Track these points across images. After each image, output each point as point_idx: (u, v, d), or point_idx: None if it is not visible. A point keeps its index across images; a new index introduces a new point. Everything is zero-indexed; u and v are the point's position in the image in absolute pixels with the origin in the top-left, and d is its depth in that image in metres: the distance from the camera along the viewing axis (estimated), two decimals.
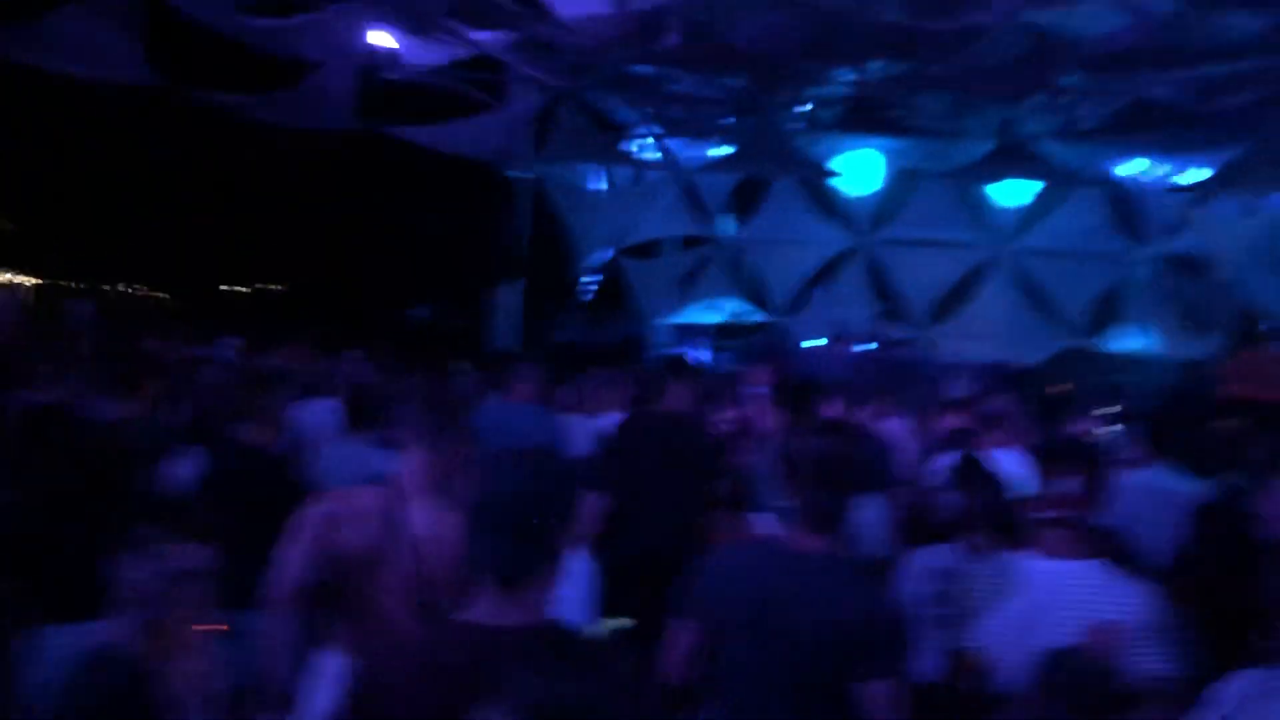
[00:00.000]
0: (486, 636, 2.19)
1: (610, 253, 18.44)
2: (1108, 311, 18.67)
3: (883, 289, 19.71)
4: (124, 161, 18.54)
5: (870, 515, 4.95)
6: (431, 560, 3.22)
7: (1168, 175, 16.21)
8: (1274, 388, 17.70)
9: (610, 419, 6.80)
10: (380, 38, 10.77)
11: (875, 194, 19.29)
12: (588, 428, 6.84)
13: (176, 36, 11.53)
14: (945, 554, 4.22)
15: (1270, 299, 15.48)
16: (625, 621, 4.03)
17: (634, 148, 17.31)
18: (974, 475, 4.43)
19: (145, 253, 20.89)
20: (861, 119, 14.60)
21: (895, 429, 8.11)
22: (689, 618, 3.24)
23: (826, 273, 20.01)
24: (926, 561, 4.20)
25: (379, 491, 3.36)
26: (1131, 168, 16.29)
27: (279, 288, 22.99)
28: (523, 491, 2.29)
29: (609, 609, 4.10)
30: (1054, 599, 3.22)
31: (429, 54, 11.75)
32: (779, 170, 18.13)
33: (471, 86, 13.14)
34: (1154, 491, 5.33)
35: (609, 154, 16.24)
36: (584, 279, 17.70)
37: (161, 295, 22.57)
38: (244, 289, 24.46)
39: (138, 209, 20.10)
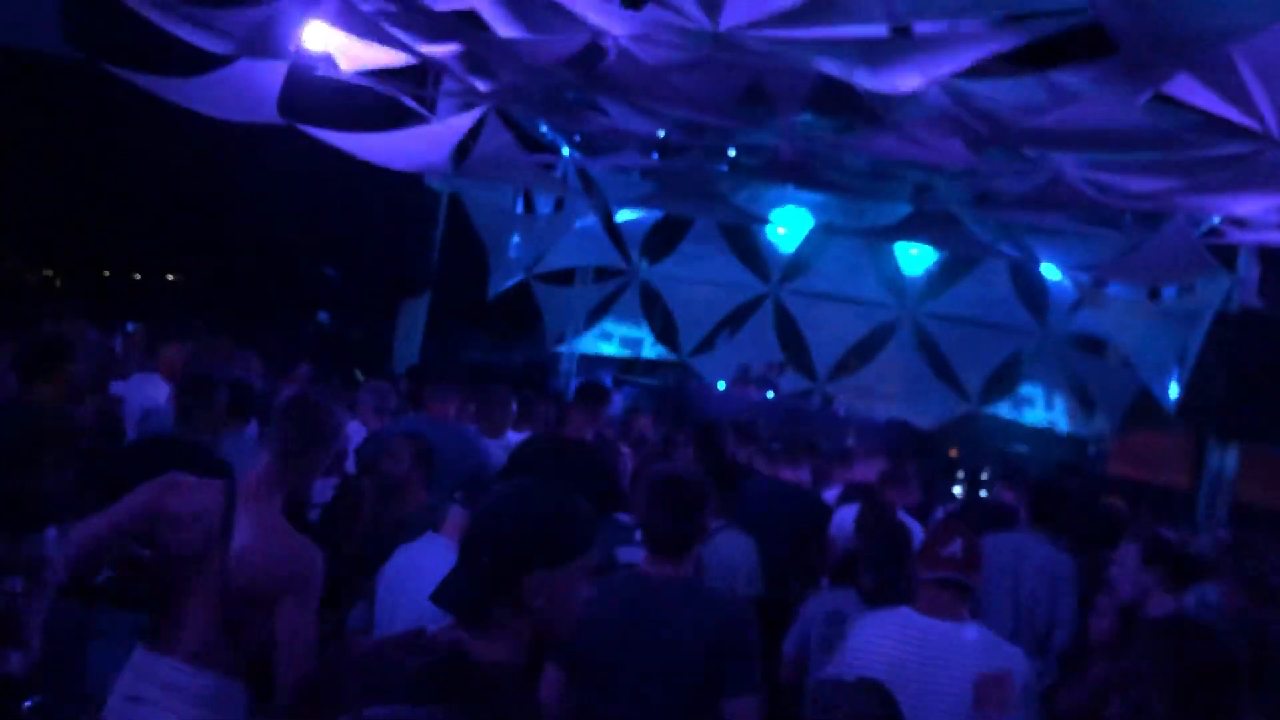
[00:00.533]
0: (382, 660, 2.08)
1: (522, 275, 18.28)
2: (1004, 382, 19.12)
3: (788, 339, 19.92)
4: (42, 136, 17.81)
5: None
6: (243, 571, 3.09)
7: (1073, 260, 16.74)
8: (1153, 470, 18.40)
9: (510, 440, 6.69)
10: (315, 36, 10.51)
11: (791, 245, 19.53)
12: (489, 449, 6.72)
13: (96, 7, 11.14)
14: (841, 599, 4.25)
15: (1160, 386, 16.02)
16: None
17: (558, 173, 17.22)
18: (880, 525, 4.48)
19: (35, 229, 20.05)
20: (784, 170, 14.73)
21: (803, 476, 8.12)
22: (558, 651, 3.25)
23: (736, 317, 20.16)
24: (822, 606, 4.24)
25: (215, 488, 3.20)
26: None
27: (174, 277, 22.27)
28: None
29: None
30: (927, 656, 3.28)
31: (363, 58, 11.52)
32: (702, 211, 18.27)
33: (403, 96, 12.92)
34: (1016, 553, 5.46)
35: (532, 176, 16.11)
36: (493, 299, 17.49)
37: (47, 273, 21.71)
38: (137, 274, 23.62)
39: (36, 185, 19.31)
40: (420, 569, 3.81)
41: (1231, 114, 8.08)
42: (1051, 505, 5.70)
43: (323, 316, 15.70)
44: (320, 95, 12.43)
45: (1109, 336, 17.79)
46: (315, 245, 15.07)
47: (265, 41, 10.52)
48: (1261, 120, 8.02)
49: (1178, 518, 12.98)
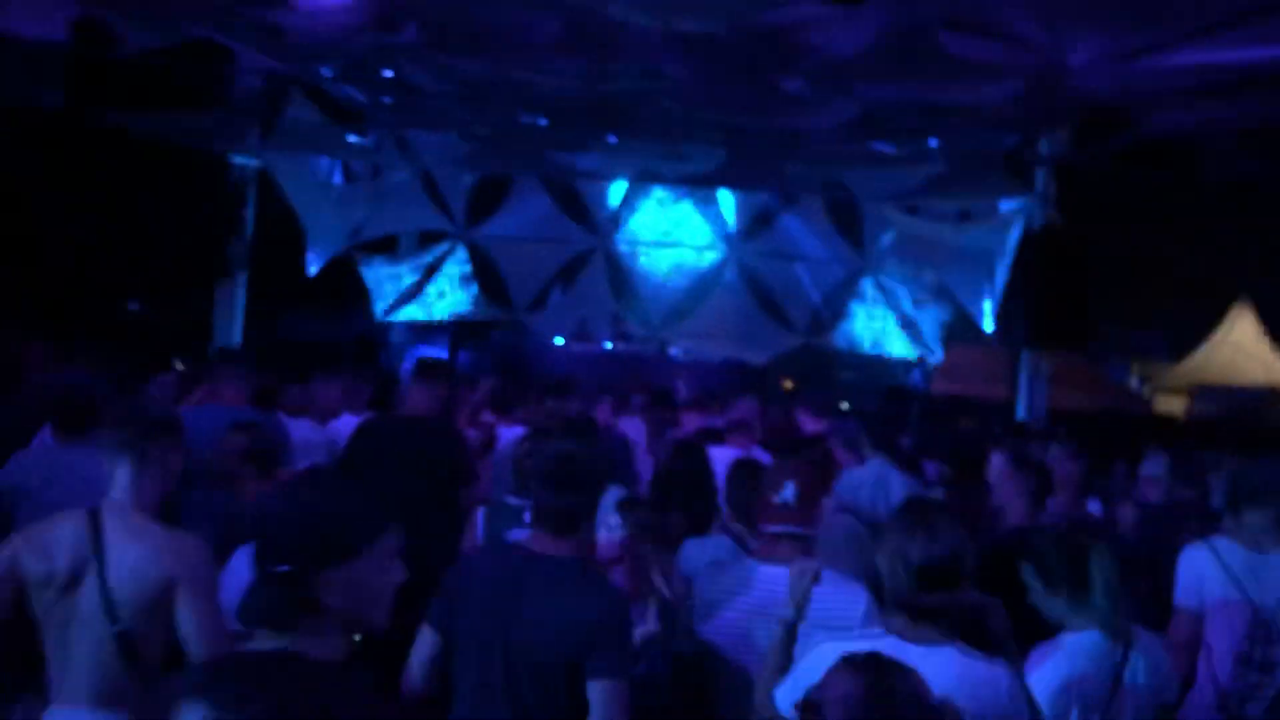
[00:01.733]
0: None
1: (343, 247, 17.76)
2: (830, 313, 19.69)
3: (621, 290, 20.01)
4: None
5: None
6: (134, 592, 2.96)
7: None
8: (975, 384, 19.36)
9: (344, 424, 6.50)
10: (96, 14, 9.87)
11: (616, 196, 19.57)
12: (319, 434, 6.48)
13: None
14: (718, 547, 4.29)
15: (974, 304, 16.78)
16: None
17: (370, 140, 16.72)
18: (750, 473, 4.51)
19: None
20: (602, 120, 14.68)
21: (632, 428, 8.23)
22: (429, 627, 3.23)
23: (567, 272, 20.11)
24: (700, 552, 4.26)
25: (77, 517, 3.04)
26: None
27: None
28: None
29: None
30: (773, 603, 3.33)
31: (150, 34, 10.90)
32: (522, 167, 18.07)
33: (196, 72, 12.28)
34: (874, 485, 5.62)
35: (343, 146, 15.60)
36: (313, 274, 16.94)
37: None
38: None
39: None
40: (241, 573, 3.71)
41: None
42: (888, 432, 5.92)
43: (133, 306, 14.89)
44: (112, 75, 11.73)
45: (925, 260, 18.52)
46: (117, 233, 14.23)
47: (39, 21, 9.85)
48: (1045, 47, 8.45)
49: (1003, 425, 13.71)
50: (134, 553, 2.97)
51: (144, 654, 2.96)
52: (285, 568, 2.04)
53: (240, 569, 3.75)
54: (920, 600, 2.68)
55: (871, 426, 6.12)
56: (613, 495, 4.62)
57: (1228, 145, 11.46)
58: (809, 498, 3.50)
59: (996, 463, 6.06)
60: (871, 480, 5.56)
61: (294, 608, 2.03)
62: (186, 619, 2.96)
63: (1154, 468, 8.26)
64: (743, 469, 4.66)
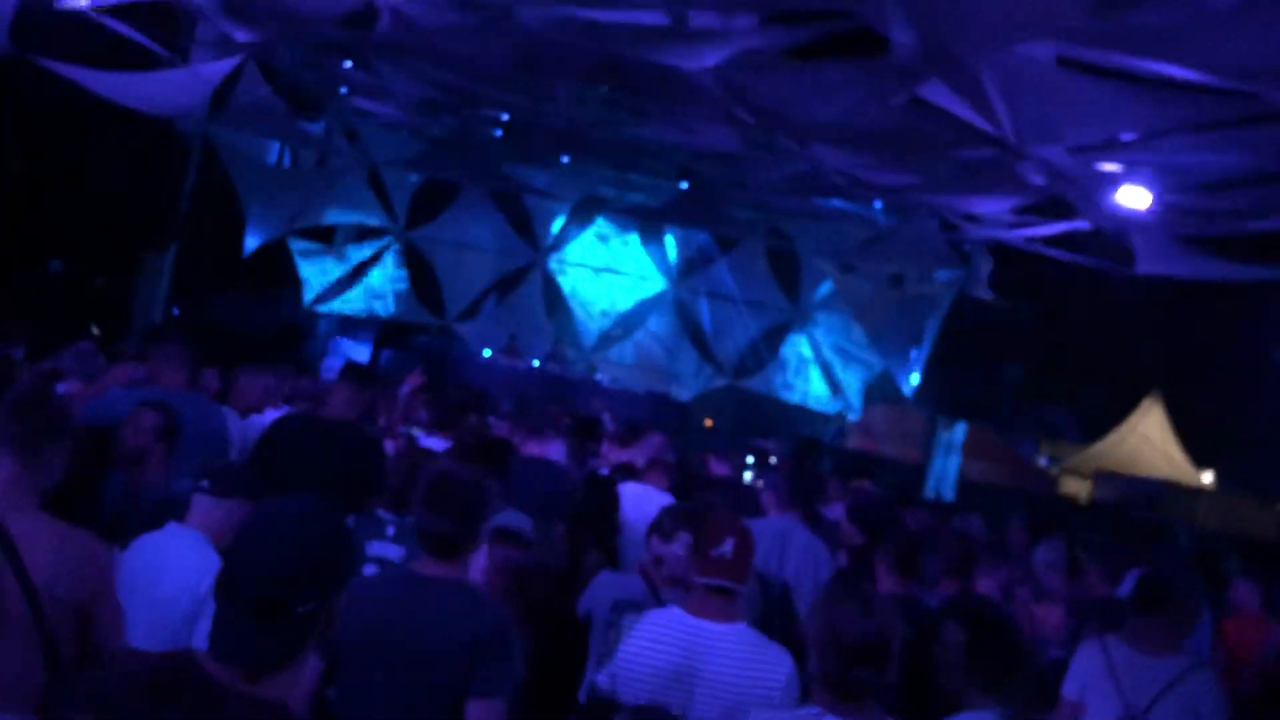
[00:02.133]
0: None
1: (279, 231, 17.50)
2: (758, 357, 19.89)
3: (557, 308, 20.02)
4: None
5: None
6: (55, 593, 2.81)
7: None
8: (889, 444, 19.70)
9: (264, 419, 6.35)
10: None
11: (561, 215, 19.61)
12: (236, 426, 6.29)
13: None
14: (629, 587, 4.24)
15: (898, 366, 17.08)
16: None
17: (320, 128, 16.55)
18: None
19: None
20: (558, 141, 14.74)
21: (554, 452, 8.15)
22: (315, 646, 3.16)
23: (503, 285, 20.06)
24: (615, 591, 4.20)
25: None
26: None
27: None
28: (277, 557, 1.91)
29: None
30: (695, 658, 3.34)
31: None
32: (473, 177, 18.03)
33: (153, 35, 12.05)
34: (773, 538, 5.61)
35: (293, 131, 15.40)
36: (247, 253, 16.64)
37: None
38: None
39: None
40: (161, 567, 3.57)
41: (977, 120, 8.69)
42: (806, 487, 5.90)
43: (56, 265, 14.48)
44: (60, 28, 11.45)
45: (855, 318, 18.82)
46: (49, 187, 13.84)
47: None
48: (1000, 127, 8.68)
49: (910, 489, 13.95)
50: (48, 551, 2.82)
51: (64, 656, 2.82)
52: (305, 606, 1.88)
53: (168, 555, 3.60)
54: (850, 676, 2.71)
55: (791, 480, 6.10)
56: (515, 519, 4.58)
57: (1159, 244, 11.83)
58: (745, 554, 3.51)
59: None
60: (771, 534, 5.57)
61: (283, 648, 1.89)
62: (102, 632, 2.83)
63: (1050, 554, 8.48)
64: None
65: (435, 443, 6.79)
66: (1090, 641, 4.33)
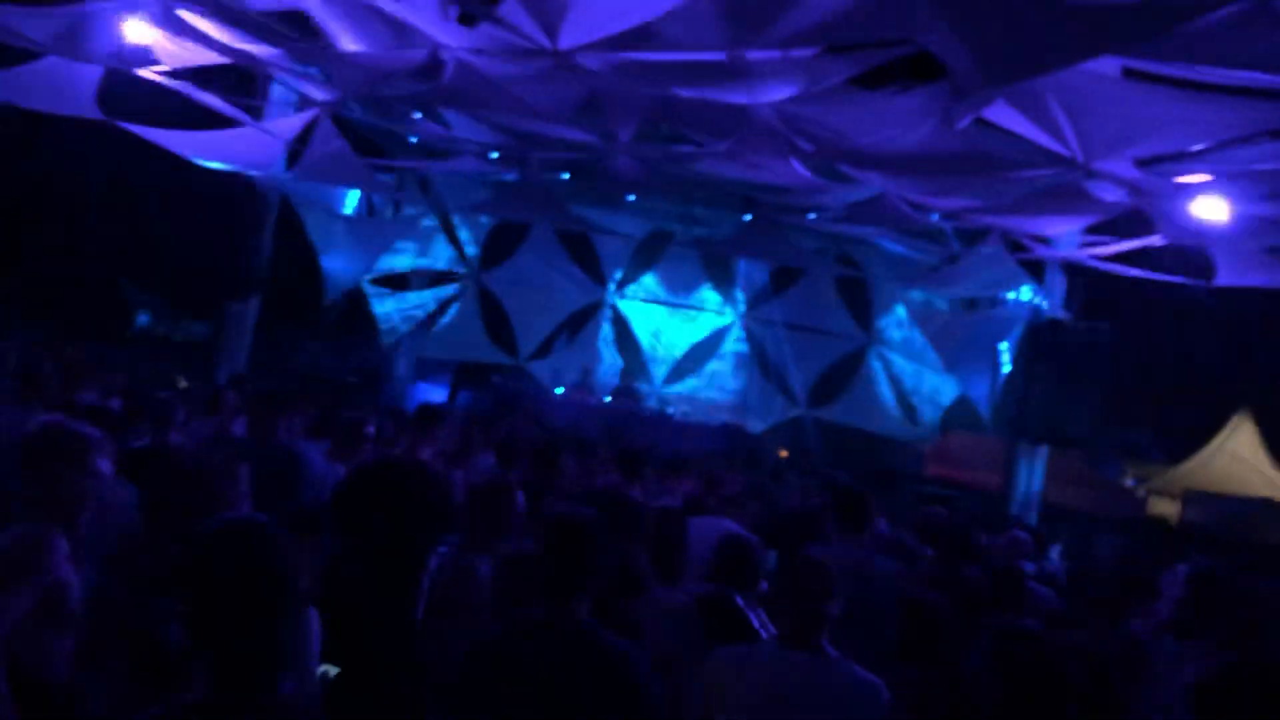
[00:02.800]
0: None
1: (358, 280, 17.92)
2: (831, 386, 19.78)
3: (625, 344, 20.16)
4: None
5: None
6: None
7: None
8: (968, 470, 19.37)
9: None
10: (136, 31, 10.04)
11: (628, 252, 19.78)
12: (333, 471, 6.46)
13: None
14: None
15: (975, 390, 16.86)
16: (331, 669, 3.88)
17: (393, 177, 16.94)
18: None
19: None
20: (623, 179, 14.90)
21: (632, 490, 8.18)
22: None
23: (573, 323, 20.27)
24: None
25: None
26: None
27: None
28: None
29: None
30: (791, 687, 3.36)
31: (188, 55, 11.08)
32: (540, 217, 18.29)
33: (229, 95, 12.49)
34: (856, 568, 5.54)
35: (367, 180, 15.79)
36: (327, 303, 17.05)
37: None
38: None
39: None
40: None
41: (1043, 140, 8.62)
42: (856, 511, 5.82)
43: (143, 319, 14.99)
44: (144, 93, 11.94)
45: (929, 343, 18.63)
46: (138, 247, 14.39)
47: (79, 42, 10.04)
48: (1069, 147, 8.59)
49: (992, 516, 13.72)
50: None
51: None
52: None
53: None
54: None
55: (841, 507, 6.00)
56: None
57: (1239, 255, 11.56)
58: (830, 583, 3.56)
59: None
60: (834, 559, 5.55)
61: None
62: None
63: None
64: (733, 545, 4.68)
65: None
66: None
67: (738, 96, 8.75)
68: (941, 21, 5.88)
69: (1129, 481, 26.83)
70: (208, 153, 13.13)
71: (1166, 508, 25.19)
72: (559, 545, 3.12)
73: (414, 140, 16.21)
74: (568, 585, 3.08)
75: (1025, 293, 15.64)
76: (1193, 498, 24.11)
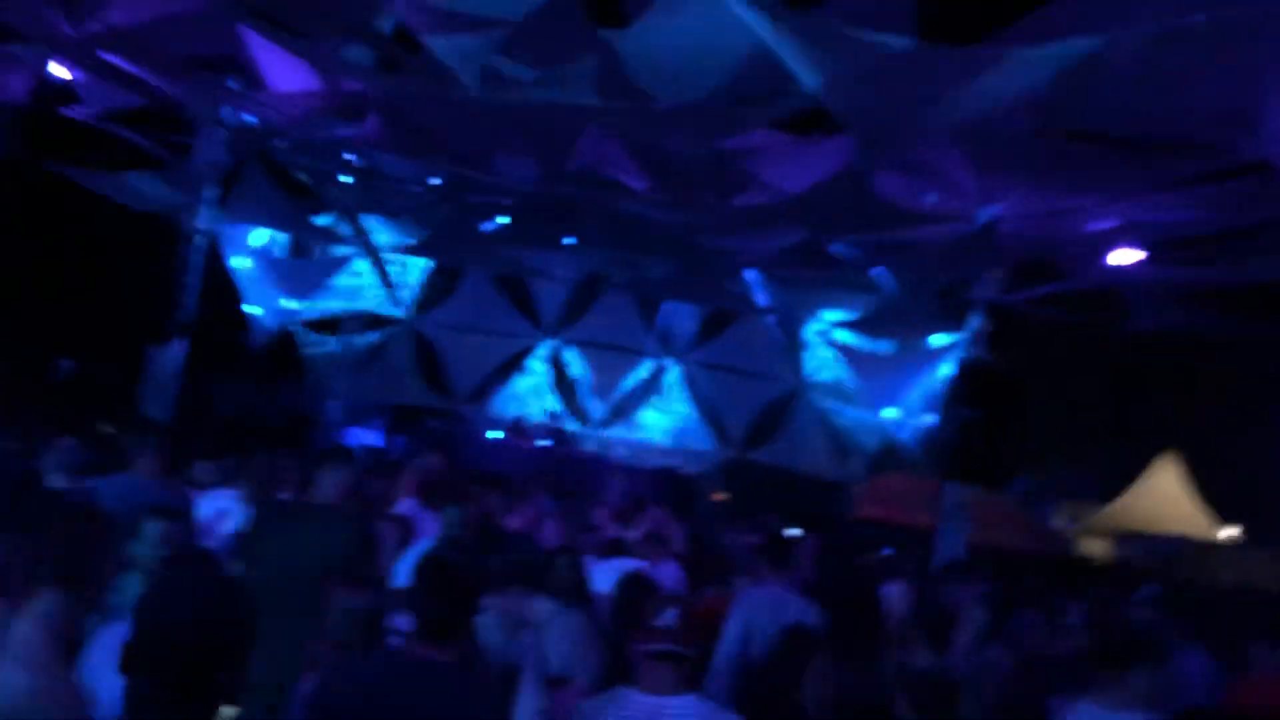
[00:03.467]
0: None
1: (287, 322, 17.74)
2: (766, 428, 19.88)
3: (563, 386, 20.14)
4: None
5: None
6: None
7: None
8: (899, 511, 19.51)
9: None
10: (58, 71, 9.96)
11: (564, 295, 19.81)
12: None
13: None
14: None
15: (905, 431, 17.05)
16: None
17: (326, 220, 16.84)
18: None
19: None
20: (554, 222, 14.96)
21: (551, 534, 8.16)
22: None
23: (510, 366, 20.21)
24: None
25: None
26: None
27: None
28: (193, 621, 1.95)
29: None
30: None
31: (111, 95, 11.01)
32: (471, 260, 18.28)
33: (155, 135, 12.40)
34: (771, 606, 5.59)
35: (295, 221, 15.70)
36: (255, 347, 16.85)
37: None
38: None
39: None
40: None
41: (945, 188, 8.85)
42: (783, 554, 5.89)
43: (66, 364, 14.68)
44: (65, 132, 11.82)
45: (859, 385, 18.83)
46: (59, 289, 14.13)
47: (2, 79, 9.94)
48: (968, 198, 8.82)
49: (921, 555, 13.80)
50: None
51: None
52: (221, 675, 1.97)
53: None
54: None
55: (771, 548, 6.09)
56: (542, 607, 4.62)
57: (1157, 296, 11.86)
58: (689, 620, 3.50)
59: (895, 594, 6.12)
60: (769, 601, 5.57)
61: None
62: None
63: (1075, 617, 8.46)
64: (633, 583, 4.69)
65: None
66: (1061, 703, 4.23)
67: (669, 142, 8.88)
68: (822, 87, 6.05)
69: (1063, 522, 27.20)
70: (130, 193, 12.99)
71: (1098, 547, 25.56)
72: (437, 588, 3.14)
73: (346, 180, 16.15)
74: (441, 625, 3.10)
75: (951, 335, 15.88)
76: (1121, 537, 24.54)
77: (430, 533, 6.55)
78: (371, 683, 3.10)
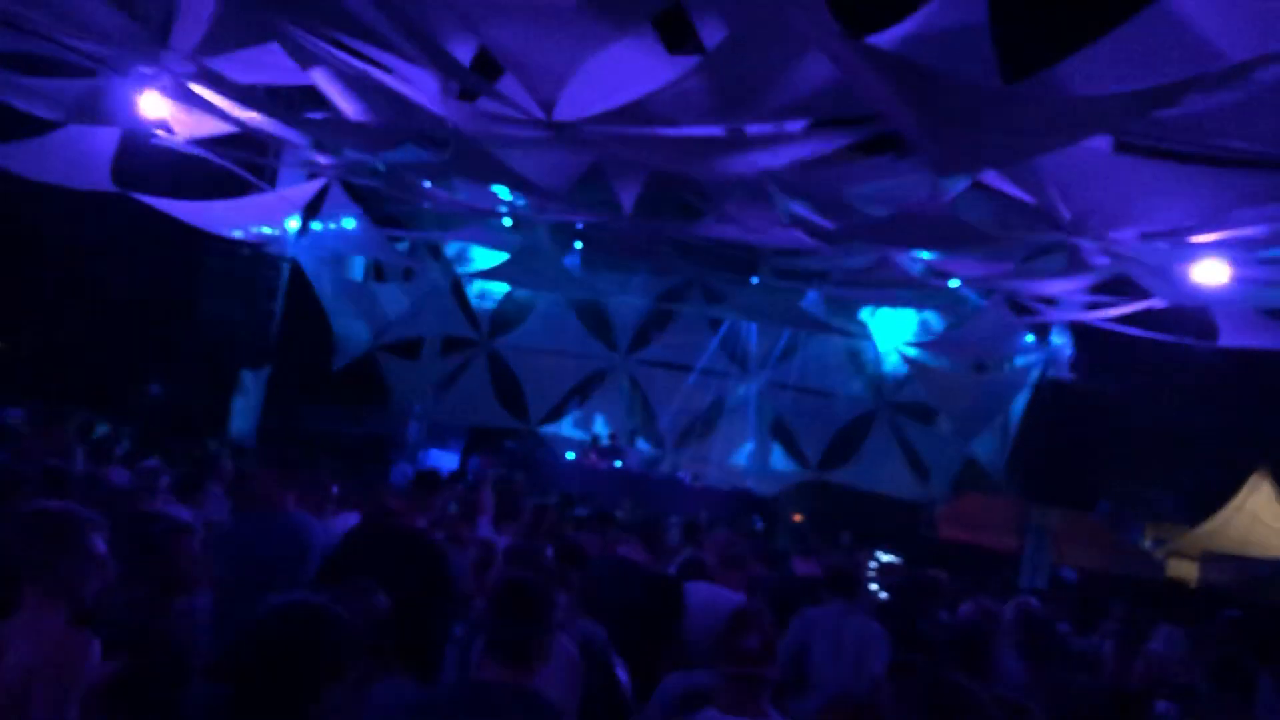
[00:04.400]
0: None
1: (369, 345, 18.11)
2: (842, 449, 19.75)
3: (636, 408, 20.22)
4: None
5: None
6: None
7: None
8: (981, 533, 19.21)
9: (344, 522, 6.56)
10: (150, 104, 10.31)
11: (638, 315, 19.92)
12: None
13: None
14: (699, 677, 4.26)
15: (986, 452, 16.81)
16: None
17: (404, 245, 17.19)
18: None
19: None
20: (632, 247, 15.08)
21: (633, 553, 8.18)
22: None
23: (585, 387, 20.37)
24: (678, 685, 4.21)
25: None
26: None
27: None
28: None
29: None
30: None
31: (200, 126, 11.36)
32: (550, 287, 18.48)
33: (240, 164, 12.77)
34: (829, 628, 5.60)
35: (377, 247, 16.03)
36: (337, 369, 17.23)
37: None
38: None
39: None
40: None
41: (1034, 203, 8.73)
42: (844, 578, 5.88)
43: (155, 389, 15.13)
44: (157, 163, 12.21)
45: (938, 406, 18.63)
46: (149, 314, 14.58)
47: (96, 110, 10.31)
48: (1059, 214, 8.69)
49: (1005, 578, 13.60)
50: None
51: None
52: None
53: None
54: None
55: (829, 574, 6.08)
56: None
57: (1244, 313, 11.58)
58: (769, 646, 3.53)
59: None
60: (831, 620, 5.59)
61: None
62: None
63: (1165, 644, 8.25)
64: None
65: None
66: None
67: (735, 167, 8.90)
68: (907, 112, 6.03)
69: (1148, 544, 26.52)
70: (221, 222, 13.39)
71: (1187, 570, 24.86)
72: (513, 609, 3.17)
73: (425, 206, 16.48)
74: (517, 649, 3.10)
75: (1031, 355, 15.65)
76: (1210, 559, 23.83)
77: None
78: (449, 710, 3.12)
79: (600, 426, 18.31)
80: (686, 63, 6.91)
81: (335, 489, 7.25)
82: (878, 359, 19.05)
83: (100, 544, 3.43)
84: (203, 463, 8.43)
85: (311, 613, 2.24)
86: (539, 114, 7.58)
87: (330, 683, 2.14)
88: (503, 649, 3.10)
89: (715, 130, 8.10)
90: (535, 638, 3.13)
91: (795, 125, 8.13)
